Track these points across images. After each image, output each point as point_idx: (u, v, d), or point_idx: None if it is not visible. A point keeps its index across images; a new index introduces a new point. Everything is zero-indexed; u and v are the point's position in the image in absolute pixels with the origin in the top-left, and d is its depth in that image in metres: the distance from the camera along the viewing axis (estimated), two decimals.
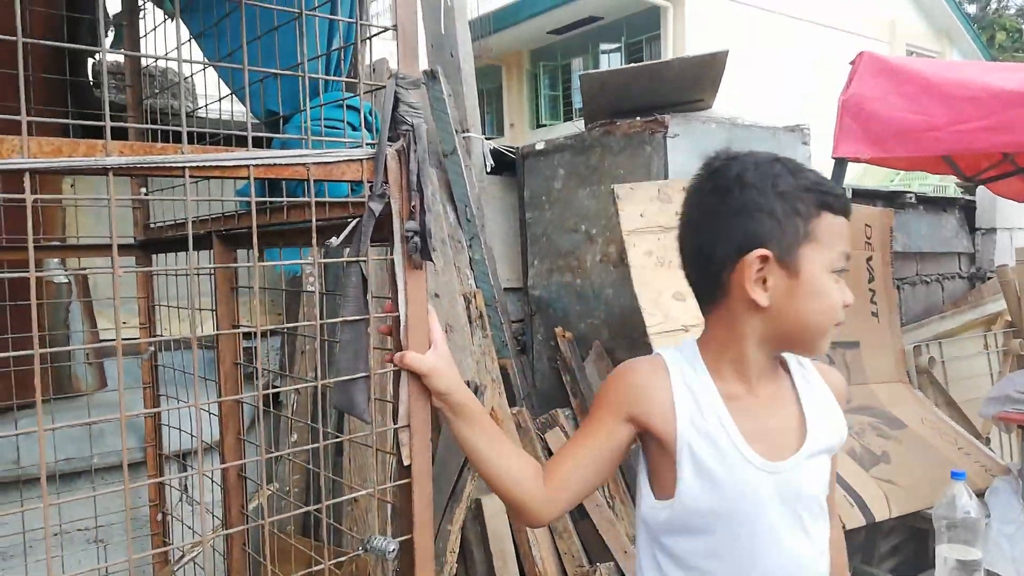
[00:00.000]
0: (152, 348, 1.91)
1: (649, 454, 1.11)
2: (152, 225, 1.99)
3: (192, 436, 1.79)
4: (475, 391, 2.01)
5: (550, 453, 2.33)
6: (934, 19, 14.78)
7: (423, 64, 2.86)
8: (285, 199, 1.29)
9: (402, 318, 1.07)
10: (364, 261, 1.05)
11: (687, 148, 2.39)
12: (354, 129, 1.43)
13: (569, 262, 2.76)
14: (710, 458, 1.03)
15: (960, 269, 5.18)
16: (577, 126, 2.91)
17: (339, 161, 1.03)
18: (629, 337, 2.52)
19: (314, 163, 1.00)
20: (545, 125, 13.78)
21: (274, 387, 2.13)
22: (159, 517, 1.91)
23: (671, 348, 1.13)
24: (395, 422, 1.09)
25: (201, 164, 0.92)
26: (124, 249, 1.99)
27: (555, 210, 2.80)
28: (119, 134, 0.99)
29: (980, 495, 3.24)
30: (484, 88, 14.13)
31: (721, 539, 1.04)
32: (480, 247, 2.63)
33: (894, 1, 14.01)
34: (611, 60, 13.19)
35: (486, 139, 2.89)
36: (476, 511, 2.14)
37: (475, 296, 2.48)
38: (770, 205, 1.01)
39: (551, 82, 14.12)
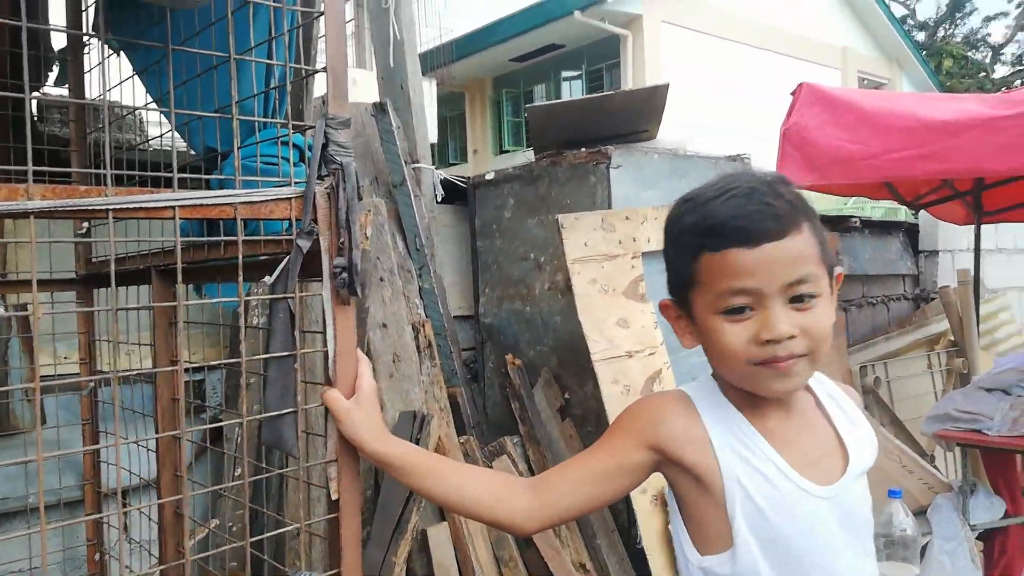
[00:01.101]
0: (92, 384, 1.89)
1: (686, 501, 1.02)
2: (94, 260, 1.98)
3: (131, 473, 1.77)
4: (422, 420, 2.03)
5: None
6: (885, 47, 15.29)
7: (375, 96, 2.91)
8: (222, 237, 1.30)
9: (330, 353, 1.09)
10: (292, 297, 1.07)
11: (630, 178, 2.45)
12: (295, 166, 1.45)
13: (519, 290, 2.80)
14: (763, 495, 0.95)
15: (905, 291, 5.34)
16: (527, 156, 2.96)
17: (266, 200, 1.05)
18: (577, 364, 2.55)
19: (241, 203, 1.02)
20: (508, 151, 13.92)
21: (215, 422, 2.12)
22: (97, 556, 1.87)
23: (691, 384, 1.06)
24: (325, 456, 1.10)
25: (124, 207, 0.93)
26: (66, 284, 1.97)
27: (505, 239, 2.84)
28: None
29: (923, 512, 3.33)
30: (448, 115, 14.25)
31: None
32: (430, 276, 2.65)
33: (846, 30, 14.48)
34: (572, 87, 13.42)
35: (447, 166, 2.93)
36: (422, 542, 2.14)
37: (424, 325, 2.49)
38: (667, 252, 1.01)
39: (514, 109, 14.30)
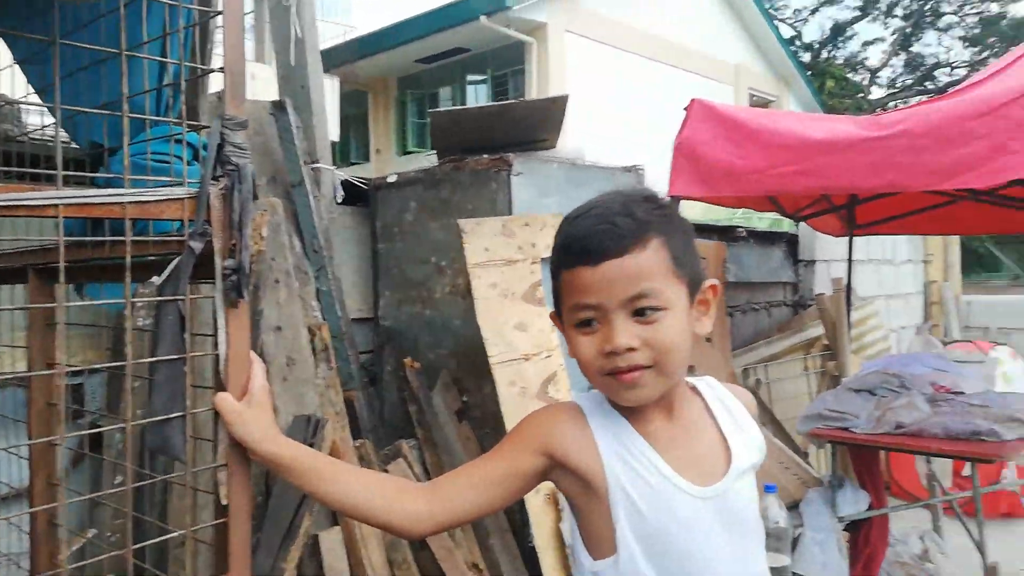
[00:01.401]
0: None
1: (578, 507, 1.06)
2: None
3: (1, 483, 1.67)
4: (316, 425, 2.01)
5: None
6: (773, 66, 15.99)
7: (274, 93, 2.85)
8: (107, 237, 1.26)
9: (221, 357, 1.08)
10: (182, 300, 1.05)
11: (530, 185, 2.51)
12: (188, 164, 1.41)
13: (420, 293, 2.81)
14: (644, 497, 1.00)
15: (785, 297, 5.67)
16: (431, 159, 2.98)
17: (158, 200, 1.03)
18: (476, 366, 2.59)
19: (130, 202, 1.00)
20: (412, 152, 13.83)
21: (94, 427, 2.02)
22: None
23: (582, 395, 1.11)
24: (215, 460, 1.09)
25: (5, 204, 0.89)
26: None
27: (407, 242, 2.84)
28: None
29: (796, 506, 3.56)
30: (350, 113, 14.01)
31: None
32: (328, 278, 2.62)
33: (738, 48, 15.09)
34: (478, 91, 13.47)
35: (349, 165, 2.90)
36: (313, 547, 2.12)
37: (321, 328, 2.47)
38: (550, 266, 1.08)
39: (419, 110, 14.22)
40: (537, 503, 2.18)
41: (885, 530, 3.93)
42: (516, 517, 2.42)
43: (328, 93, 3.26)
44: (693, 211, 5.39)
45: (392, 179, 2.87)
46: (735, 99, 14.95)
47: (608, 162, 2.90)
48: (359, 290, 3.00)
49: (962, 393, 3.78)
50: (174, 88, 1.48)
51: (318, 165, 2.69)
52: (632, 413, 1.04)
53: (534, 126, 2.70)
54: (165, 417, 1.05)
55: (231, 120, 1.09)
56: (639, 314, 0.98)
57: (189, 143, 1.44)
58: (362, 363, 2.83)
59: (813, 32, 31.05)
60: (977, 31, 22.02)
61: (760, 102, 16.13)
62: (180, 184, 1.07)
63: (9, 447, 1.33)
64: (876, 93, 23.94)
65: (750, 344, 5.10)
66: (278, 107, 2.55)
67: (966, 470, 4.31)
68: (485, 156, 2.55)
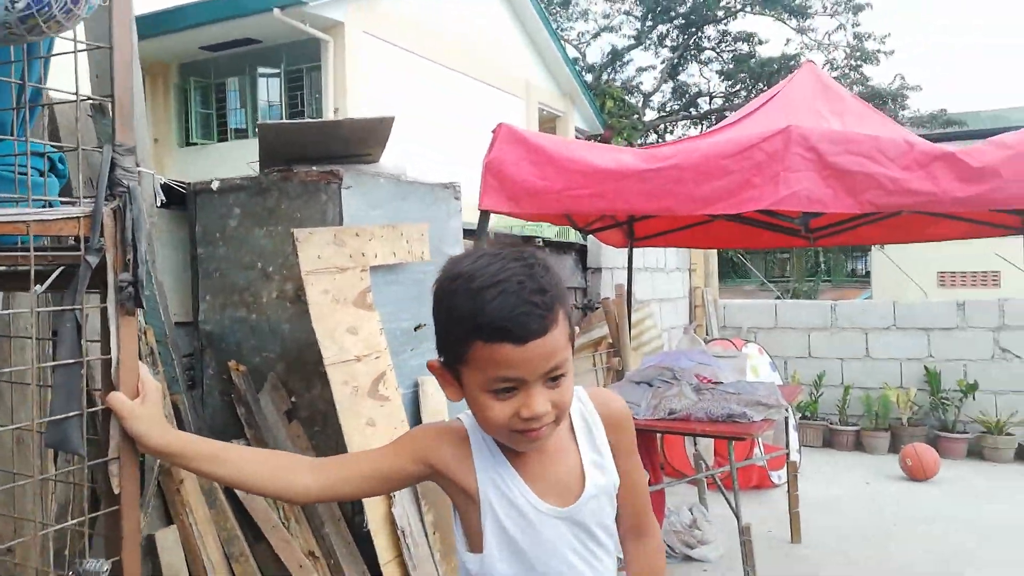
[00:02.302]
0: None
1: (458, 505, 1.21)
2: None
3: None
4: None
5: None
6: (560, 83, 16.89)
7: (87, 92, 2.75)
8: None
9: (114, 360, 1.18)
10: (79, 309, 1.14)
11: (359, 198, 2.69)
12: (41, 175, 1.46)
13: (244, 298, 2.86)
14: (510, 518, 1.15)
15: (576, 301, 6.25)
16: (252, 168, 3.03)
17: (59, 219, 1.11)
18: (304, 368, 2.71)
19: (35, 220, 1.08)
20: (196, 144, 13.07)
21: None
22: None
23: (465, 416, 1.23)
24: (107, 454, 1.19)
25: None
26: None
27: (231, 247, 2.88)
28: None
29: None
30: None
31: None
32: (151, 282, 2.61)
33: (528, 64, 15.79)
34: (270, 85, 13.00)
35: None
36: (149, 546, 2.15)
37: (145, 332, 2.47)
38: (438, 323, 1.14)
39: (203, 99, 13.41)
40: None
41: (661, 504, 4.53)
42: (347, 506, 2.59)
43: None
44: (492, 221, 5.79)
45: (215, 185, 2.89)
46: (526, 112, 15.69)
47: (428, 178, 3.14)
48: (178, 294, 2.98)
49: (721, 383, 4.48)
50: (33, 103, 1.50)
51: (140, 169, 2.65)
52: (509, 447, 1.18)
53: (360, 141, 2.87)
54: (64, 416, 1.13)
55: (121, 146, 1.20)
56: (552, 380, 1.09)
57: (44, 155, 1.48)
58: (183, 366, 2.83)
59: (595, 55, 33.32)
60: (731, 67, 24.98)
61: (549, 116, 17.11)
62: (73, 203, 1.16)
63: None
64: (649, 115, 26.25)
65: None
66: (98, 110, 2.50)
67: (725, 450, 5.07)
68: (315, 168, 2.69)
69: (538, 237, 5.51)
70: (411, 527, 2.43)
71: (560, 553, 1.18)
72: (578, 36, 26.99)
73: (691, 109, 26.33)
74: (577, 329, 4.97)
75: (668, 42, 25.58)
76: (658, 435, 5.82)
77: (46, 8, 0.94)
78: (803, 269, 22.32)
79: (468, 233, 3.73)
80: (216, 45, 12.35)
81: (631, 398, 4.14)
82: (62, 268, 1.18)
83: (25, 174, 1.35)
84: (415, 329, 2.92)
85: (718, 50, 25.31)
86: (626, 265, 5.55)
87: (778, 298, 12.82)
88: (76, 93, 1.28)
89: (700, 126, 25.52)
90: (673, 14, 24.58)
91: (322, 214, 2.64)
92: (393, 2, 12.22)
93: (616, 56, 26.00)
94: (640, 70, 27.15)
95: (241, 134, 12.82)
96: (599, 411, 1.25)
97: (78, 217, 1.14)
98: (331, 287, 2.47)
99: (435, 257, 3.03)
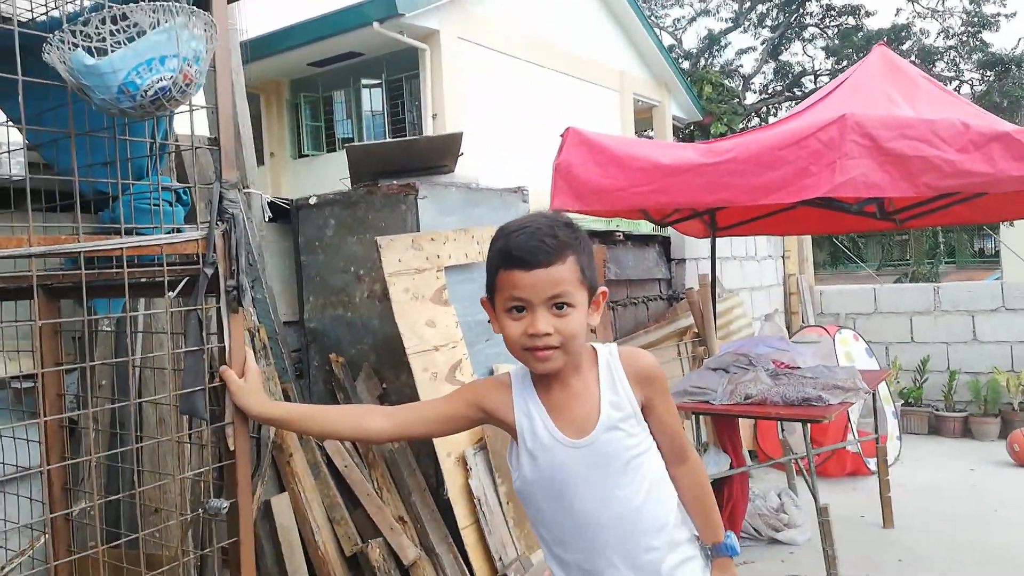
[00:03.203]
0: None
1: (510, 437, 1.49)
2: None
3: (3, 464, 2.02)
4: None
5: (328, 458, 2.79)
6: (655, 72, 16.68)
7: (204, 130, 3.22)
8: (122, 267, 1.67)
9: (226, 347, 1.54)
10: (200, 309, 1.50)
11: (433, 207, 3.02)
12: (171, 205, 1.85)
13: (340, 298, 3.26)
14: (534, 443, 1.42)
15: (660, 292, 6.39)
16: (344, 183, 3.42)
17: (184, 241, 1.48)
18: (393, 358, 3.07)
19: (167, 243, 1.45)
20: (308, 155, 13.88)
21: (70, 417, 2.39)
22: None
23: (515, 369, 1.50)
24: (224, 420, 1.55)
25: (93, 249, 1.33)
26: None
27: (327, 254, 3.29)
28: None
29: None
30: None
31: (549, 511, 1.43)
32: (262, 288, 3.04)
33: (623, 55, 15.74)
34: (372, 95, 13.54)
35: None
36: (266, 510, 2.56)
37: (259, 330, 2.89)
38: (487, 265, 1.43)
39: (312, 113, 14.18)
40: (450, 464, 2.70)
41: (745, 487, 4.63)
42: (432, 480, 2.93)
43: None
44: (578, 220, 6.02)
45: (313, 201, 3.31)
46: (621, 104, 15.59)
47: (497, 184, 3.44)
48: (286, 297, 3.42)
49: (799, 368, 4.54)
50: (163, 146, 1.90)
51: (250, 190, 3.09)
52: (540, 384, 1.45)
53: (434, 155, 3.21)
54: (193, 390, 1.50)
55: (226, 183, 1.55)
56: (557, 308, 1.35)
57: (174, 190, 1.87)
58: (292, 360, 3.26)
59: (691, 41, 32.66)
60: (836, 43, 23.96)
61: (644, 107, 16.95)
62: (194, 228, 1.52)
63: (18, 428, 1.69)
64: (750, 98, 25.55)
65: (631, 333, 5.75)
66: (213, 142, 2.95)
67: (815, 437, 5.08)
68: (395, 182, 3.04)
69: (618, 231, 5.70)
70: (486, 496, 2.74)
71: (576, 475, 1.41)
72: (673, 23, 26.62)
73: (795, 89, 25.43)
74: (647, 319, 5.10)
75: (768, 21, 24.83)
76: (752, 422, 5.89)
77: (167, 92, 1.29)
78: (922, 251, 21.13)
79: None
80: (322, 60, 13.04)
81: (708, 384, 4.25)
82: (187, 278, 1.55)
83: (158, 206, 1.74)
84: (488, 322, 3.22)
85: (822, 26, 24.33)
86: (709, 255, 5.64)
87: (896, 281, 12.31)
88: (192, 139, 1.65)
89: None
90: None
91: (402, 222, 2.99)
92: (485, 7, 12.49)
93: (713, 40, 25.46)
94: (739, 52, 26.44)
95: (348, 143, 13.52)
96: (624, 365, 1.47)
97: (197, 239, 1.51)
98: (411, 286, 2.81)
99: None
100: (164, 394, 2.14)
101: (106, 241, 1.35)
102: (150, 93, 1.25)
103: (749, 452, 5.76)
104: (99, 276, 1.74)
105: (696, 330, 5.99)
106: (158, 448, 2.30)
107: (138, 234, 1.58)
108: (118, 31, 1.21)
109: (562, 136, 3.71)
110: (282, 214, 3.48)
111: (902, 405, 7.00)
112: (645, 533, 1.44)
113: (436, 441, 2.72)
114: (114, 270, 1.69)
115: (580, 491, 1.42)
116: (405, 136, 12.84)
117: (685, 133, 21.07)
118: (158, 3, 1.25)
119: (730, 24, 25.22)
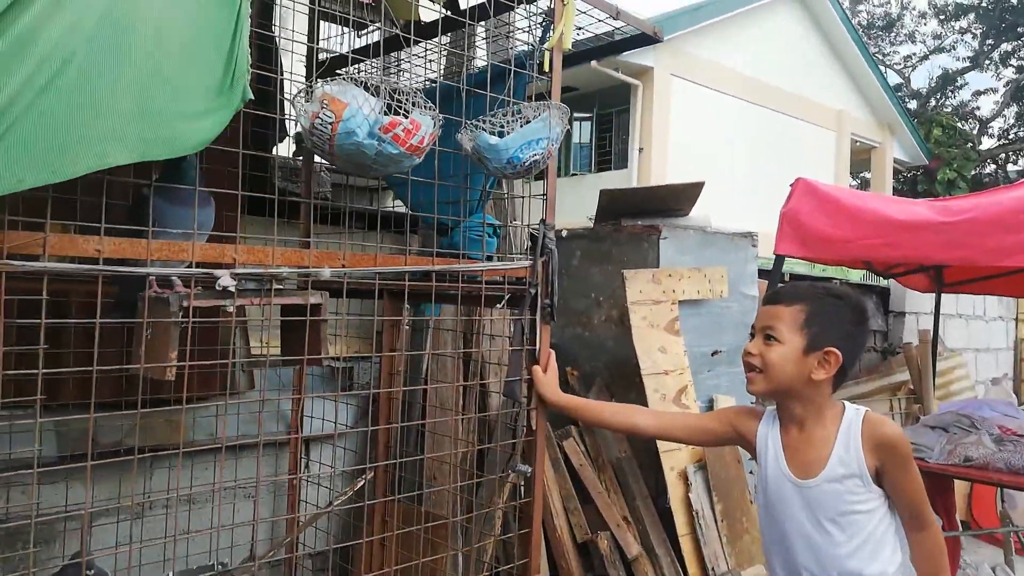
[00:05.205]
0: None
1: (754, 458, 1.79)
2: None
3: (324, 422, 2.66)
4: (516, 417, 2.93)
5: (565, 456, 3.22)
6: (878, 113, 15.90)
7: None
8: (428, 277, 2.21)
9: (537, 348, 2.01)
10: (525, 319, 1.98)
11: (672, 247, 3.39)
12: (491, 237, 2.38)
13: (580, 319, 3.71)
14: (768, 472, 1.67)
15: (875, 344, 6.27)
16: (589, 219, 3.89)
17: (517, 267, 1.97)
18: (623, 376, 3.46)
19: (507, 268, 1.94)
20: (575, 175, 13.94)
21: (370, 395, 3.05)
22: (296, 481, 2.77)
23: (769, 408, 1.77)
24: (529, 404, 2.02)
25: (465, 269, 1.85)
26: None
27: (572, 280, 3.76)
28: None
29: None
30: None
31: (767, 523, 1.69)
32: None
33: (842, 94, 15.12)
34: (582, 128, 13.95)
35: None
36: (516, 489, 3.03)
37: None
38: None
39: None
40: (673, 477, 3.04)
41: (956, 552, 4.49)
42: (653, 488, 3.27)
43: None
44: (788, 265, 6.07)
45: (564, 233, 3.80)
46: (837, 144, 14.91)
47: (728, 228, 3.74)
48: None
49: None
50: (489, 192, 2.45)
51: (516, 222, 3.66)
52: (784, 424, 1.70)
53: (674, 200, 3.58)
54: (514, 379, 1.98)
55: (549, 225, 2.03)
56: (767, 338, 1.64)
57: (492, 224, 2.41)
58: None
59: (921, 79, 30.43)
60: None
61: (863, 148, 16.10)
62: (522, 257, 2.01)
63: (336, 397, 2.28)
64: (987, 143, 23.45)
65: (842, 385, 5.71)
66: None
67: None
68: (639, 223, 3.45)
69: (836, 279, 5.72)
70: (703, 510, 3.03)
71: (792, 515, 1.64)
72: (902, 60, 25.10)
73: None
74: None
75: (1013, 61, 22.72)
76: (968, 490, 5.58)
77: (538, 163, 1.79)
78: None
79: (764, 274, 4.21)
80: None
81: (924, 441, 4.20)
82: (509, 295, 2.04)
83: (479, 236, 2.26)
84: (712, 354, 3.53)
85: None
86: (932, 310, 5.50)
87: None
88: (509, 190, 2.15)
89: None
90: (1021, 30, 21.81)
91: (643, 258, 3.39)
92: (699, 44, 12.55)
93: (947, 80, 23.72)
94: (977, 94, 24.39)
95: (602, 189, 13.79)
96: (864, 428, 1.60)
97: (526, 266, 2.00)
98: (648, 315, 3.19)
99: (732, 296, 3.61)
100: (456, 382, 2.72)
101: (460, 265, 1.88)
102: (527, 164, 1.75)
103: (961, 522, 5.47)
104: (436, 287, 2.30)
105: (911, 386, 5.82)
106: (435, 428, 2.87)
107: (468, 259, 2.11)
108: (513, 121, 1.72)
109: (792, 186, 3.93)
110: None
111: None
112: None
113: (662, 455, 3.06)
114: (446, 283, 2.24)
115: (790, 521, 1.65)
116: (610, 168, 13.27)
117: (907, 176, 19.78)
118: (539, 103, 1.75)
119: (968, 63, 23.35)
